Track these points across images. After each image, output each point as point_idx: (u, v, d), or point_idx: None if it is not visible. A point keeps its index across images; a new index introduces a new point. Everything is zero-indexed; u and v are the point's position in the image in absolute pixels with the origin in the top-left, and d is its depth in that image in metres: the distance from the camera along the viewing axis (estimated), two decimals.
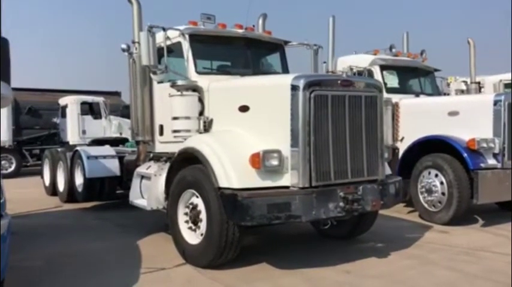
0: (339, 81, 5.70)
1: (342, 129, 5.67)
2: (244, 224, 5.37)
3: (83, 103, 17.86)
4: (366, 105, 5.90)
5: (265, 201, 5.23)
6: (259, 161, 5.34)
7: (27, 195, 12.77)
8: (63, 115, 18.02)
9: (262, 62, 7.89)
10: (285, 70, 7.87)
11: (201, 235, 5.83)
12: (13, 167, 19.04)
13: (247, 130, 5.99)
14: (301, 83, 5.44)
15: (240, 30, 7.48)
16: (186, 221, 6.11)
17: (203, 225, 5.81)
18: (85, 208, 10.64)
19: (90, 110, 18.00)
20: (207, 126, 6.66)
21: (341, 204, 5.53)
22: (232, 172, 5.42)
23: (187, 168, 6.12)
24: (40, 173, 13.89)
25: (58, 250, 7.05)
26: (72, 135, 17.23)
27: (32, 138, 20.14)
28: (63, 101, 18.16)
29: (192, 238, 6.02)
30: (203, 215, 5.81)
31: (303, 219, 5.44)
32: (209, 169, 5.60)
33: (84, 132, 17.21)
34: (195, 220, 5.97)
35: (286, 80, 5.62)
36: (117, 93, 24.43)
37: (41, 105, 20.41)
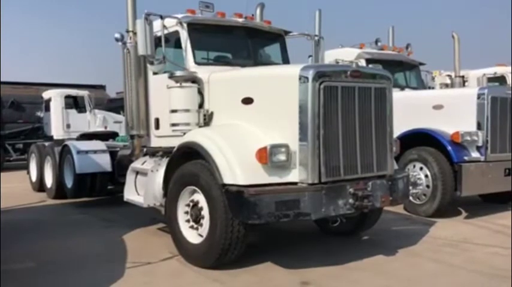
0: (349, 72, 5.44)
1: (351, 122, 5.43)
2: (251, 223, 5.10)
3: (67, 97, 17.59)
4: (376, 97, 5.66)
5: (273, 198, 4.97)
6: (266, 156, 5.06)
7: (11, 190, 12.51)
8: (47, 109, 17.70)
9: (263, 53, 7.59)
10: (286, 61, 7.61)
11: (203, 233, 5.56)
12: None
13: (251, 124, 5.70)
14: (310, 74, 5.17)
15: (240, 19, 7.16)
16: (187, 220, 5.82)
17: (205, 223, 5.53)
18: (70, 203, 10.43)
19: (74, 103, 17.77)
20: (207, 120, 6.37)
21: (350, 201, 5.30)
22: (238, 168, 5.13)
23: (188, 163, 5.82)
24: (25, 167, 13.56)
25: (43, 245, 6.95)
26: (56, 130, 16.94)
27: (15, 132, 19.78)
28: (46, 94, 17.83)
29: (194, 237, 5.74)
30: (205, 213, 5.53)
31: (312, 217, 5.21)
32: (212, 164, 5.31)
33: (68, 126, 16.97)
34: (196, 218, 5.68)
35: (294, 70, 5.33)
36: (101, 87, 24.21)
37: (24, 99, 20.06)
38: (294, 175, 5.22)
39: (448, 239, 6.91)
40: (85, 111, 17.32)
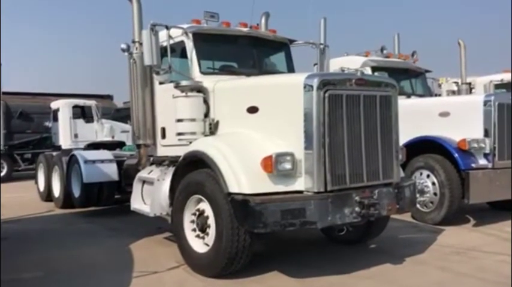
0: (354, 80, 5.45)
1: (357, 130, 5.43)
2: (257, 231, 5.10)
3: (75, 107, 17.72)
4: (381, 105, 5.66)
5: (279, 207, 4.96)
6: (271, 164, 5.07)
7: (19, 200, 12.65)
8: (55, 119, 17.83)
9: (268, 62, 7.63)
10: (291, 70, 7.62)
11: (210, 242, 5.56)
12: (4, 171, 18.82)
13: (256, 132, 5.72)
14: (315, 82, 5.18)
15: (245, 29, 7.22)
16: (193, 229, 5.83)
17: (211, 232, 5.54)
18: (77, 212, 10.48)
19: (82, 113, 17.90)
20: (213, 129, 6.39)
21: (357, 209, 5.28)
22: (243, 177, 5.14)
23: (194, 172, 5.84)
24: (33, 177, 13.63)
25: (51, 254, 6.97)
26: (64, 139, 17.05)
27: (24, 142, 19.94)
28: (54, 104, 17.98)
29: (200, 246, 5.75)
30: (211, 222, 5.54)
31: (318, 225, 5.19)
32: (218, 173, 5.33)
33: (76, 136, 17.07)
34: (202, 227, 5.69)
35: (299, 79, 5.35)
36: (109, 97, 24.36)
37: (33, 109, 20.23)
38: (300, 184, 5.22)
39: (455, 247, 6.86)
40: (92, 121, 17.44)
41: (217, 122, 6.39)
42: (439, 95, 12.92)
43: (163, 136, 7.17)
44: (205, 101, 6.44)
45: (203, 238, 5.70)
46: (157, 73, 6.56)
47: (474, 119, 8.32)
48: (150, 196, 6.89)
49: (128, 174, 8.81)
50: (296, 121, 5.26)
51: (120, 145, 12.32)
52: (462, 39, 10.95)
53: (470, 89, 12.28)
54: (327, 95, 5.18)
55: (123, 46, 7.29)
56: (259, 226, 4.96)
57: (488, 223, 8.44)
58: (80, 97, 19.64)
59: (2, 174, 18.57)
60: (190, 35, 6.76)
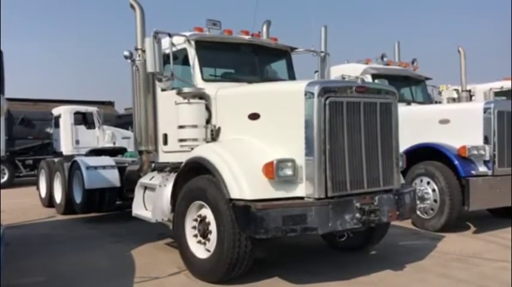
0: (354, 88, 5.50)
1: (357, 137, 5.47)
2: (258, 237, 5.13)
3: (77, 113, 17.81)
4: (381, 112, 5.71)
5: (280, 213, 5.00)
6: (272, 170, 5.11)
7: (20, 205, 12.67)
8: (57, 125, 17.91)
9: (269, 69, 7.70)
10: (292, 77, 7.70)
11: (211, 248, 5.59)
12: (6, 177, 18.87)
13: (257, 139, 5.77)
14: (315, 90, 5.23)
15: (247, 37, 7.30)
16: (195, 235, 5.87)
17: (213, 238, 5.57)
18: (79, 218, 10.50)
19: (83, 120, 17.96)
20: (215, 135, 6.44)
21: (357, 215, 5.31)
22: (245, 183, 5.18)
23: (196, 178, 5.88)
24: (34, 183, 13.66)
25: (53, 259, 6.99)
26: (65, 145, 17.13)
27: (25, 148, 20.00)
28: (56, 111, 18.06)
29: (201, 252, 5.78)
30: (213, 228, 5.57)
31: (319, 231, 5.23)
32: (220, 179, 5.37)
33: (77, 142, 17.17)
34: (204, 233, 5.73)
35: (300, 86, 5.41)
36: (110, 103, 24.42)
37: (34, 116, 20.30)
38: (301, 190, 5.25)
39: (456, 254, 6.88)
40: (94, 127, 17.52)
41: (219, 129, 6.45)
42: (439, 103, 12.97)
43: (165, 142, 7.22)
44: (207, 108, 6.50)
45: (204, 243, 5.74)
46: (160, 80, 6.61)
47: (474, 126, 8.37)
48: (152, 202, 6.92)
49: (129, 180, 8.84)
50: (297, 128, 5.31)
51: (122, 151, 12.36)
52: (462, 47, 11.02)
53: (470, 96, 12.33)
54: (327, 102, 5.23)
55: (126, 53, 7.35)
56: (260, 231, 4.99)
57: (489, 230, 8.47)
58: (82, 103, 19.75)
59: (4, 180, 18.61)
60: (192, 42, 6.84)
